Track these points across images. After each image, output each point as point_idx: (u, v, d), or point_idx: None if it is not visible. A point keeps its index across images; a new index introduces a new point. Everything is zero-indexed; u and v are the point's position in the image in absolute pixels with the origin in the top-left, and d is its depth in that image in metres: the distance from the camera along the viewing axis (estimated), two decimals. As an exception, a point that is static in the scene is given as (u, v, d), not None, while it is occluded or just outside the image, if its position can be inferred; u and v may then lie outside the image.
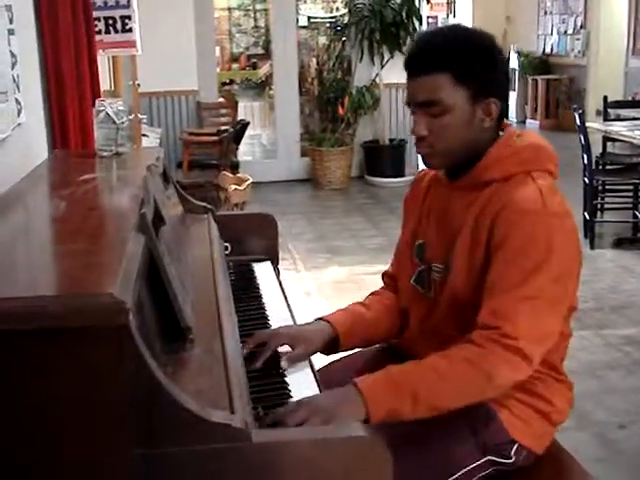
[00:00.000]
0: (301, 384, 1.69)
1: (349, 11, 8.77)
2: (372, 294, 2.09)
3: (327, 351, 1.92)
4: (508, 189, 1.73)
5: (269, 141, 10.82)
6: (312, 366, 1.81)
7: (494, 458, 1.75)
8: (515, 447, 1.76)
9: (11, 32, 2.60)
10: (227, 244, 2.44)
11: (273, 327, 1.95)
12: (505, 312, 1.63)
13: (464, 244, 1.76)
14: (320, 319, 1.94)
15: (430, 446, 1.71)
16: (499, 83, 1.78)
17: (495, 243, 1.69)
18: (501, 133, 1.82)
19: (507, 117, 1.84)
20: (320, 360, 1.97)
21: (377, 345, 2.09)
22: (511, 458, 1.76)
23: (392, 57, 8.23)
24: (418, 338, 1.90)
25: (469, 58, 1.73)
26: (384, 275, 2.13)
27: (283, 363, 1.70)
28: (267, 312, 2.09)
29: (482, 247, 1.72)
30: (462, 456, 1.72)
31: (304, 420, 1.46)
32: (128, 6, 4.57)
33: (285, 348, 1.79)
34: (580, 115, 5.86)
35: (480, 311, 1.67)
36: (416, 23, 8.24)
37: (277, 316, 2.06)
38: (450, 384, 1.61)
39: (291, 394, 1.64)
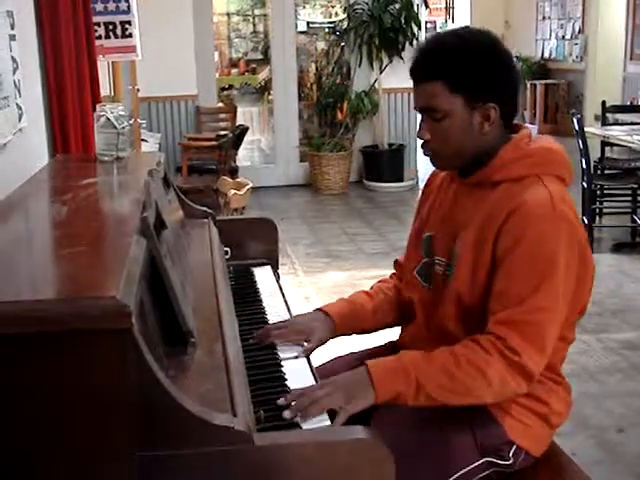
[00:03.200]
0: (302, 386, 1.69)
1: (348, 16, 8.78)
2: (379, 282, 2.15)
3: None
4: (518, 191, 1.74)
5: (268, 146, 10.83)
6: (312, 368, 1.81)
7: (492, 459, 1.76)
8: (513, 449, 1.77)
9: (12, 38, 2.61)
10: (227, 248, 2.45)
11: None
12: (513, 323, 1.65)
13: (470, 240, 1.78)
14: (319, 309, 2.02)
15: (429, 447, 1.73)
16: (499, 88, 1.79)
17: (505, 246, 1.70)
18: (514, 135, 1.84)
19: (513, 120, 1.85)
20: (320, 357, 1.99)
21: (380, 344, 2.12)
22: (509, 460, 1.77)
23: (391, 62, 8.26)
24: (422, 332, 1.93)
25: (464, 66, 1.75)
26: (395, 262, 2.17)
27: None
28: (267, 316, 2.10)
29: (489, 248, 1.74)
30: (460, 457, 1.74)
31: (328, 394, 1.57)
32: (128, 11, 4.58)
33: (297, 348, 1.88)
34: (578, 120, 5.88)
35: (489, 316, 1.70)
36: (415, 28, 8.26)
37: (277, 320, 2.06)
38: (454, 384, 1.64)
39: (292, 397, 1.65)
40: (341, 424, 1.56)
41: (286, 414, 1.53)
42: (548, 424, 1.83)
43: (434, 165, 1.90)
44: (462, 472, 1.73)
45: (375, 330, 2.10)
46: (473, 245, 1.77)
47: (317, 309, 2.03)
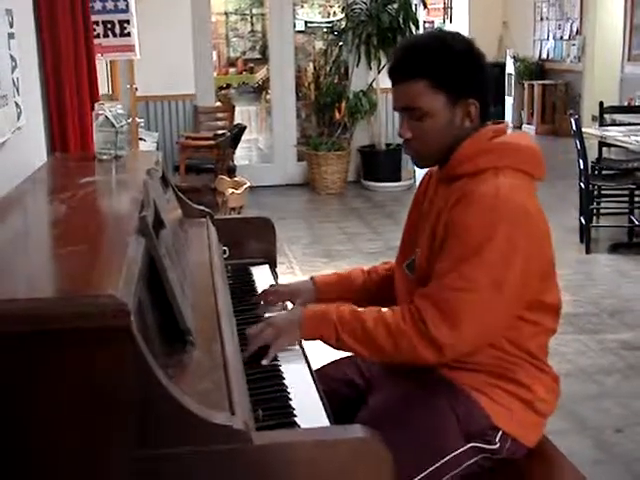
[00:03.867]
0: (300, 385, 1.71)
1: (346, 16, 8.78)
2: (383, 263, 2.25)
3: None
4: (472, 184, 1.78)
5: (266, 145, 10.83)
6: (310, 367, 1.82)
7: (478, 444, 1.79)
8: (499, 434, 1.80)
9: (11, 36, 2.61)
10: (225, 248, 2.45)
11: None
12: (428, 297, 1.74)
13: (426, 233, 1.86)
14: (311, 278, 2.22)
15: (414, 434, 1.76)
16: (477, 85, 1.84)
17: (446, 232, 1.77)
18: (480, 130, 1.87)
19: (489, 114, 1.89)
20: (317, 361, 2.00)
21: None
22: (495, 444, 1.80)
23: (389, 62, 8.24)
24: None
25: (445, 63, 1.80)
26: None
27: (264, 361, 1.80)
28: (265, 315, 2.10)
29: (440, 235, 1.80)
30: (446, 443, 1.77)
31: (261, 330, 1.82)
32: (127, 10, 4.59)
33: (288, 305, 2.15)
34: (576, 120, 5.88)
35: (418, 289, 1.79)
36: (413, 28, 8.25)
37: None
38: (368, 340, 1.77)
39: (290, 396, 1.65)
40: (271, 359, 1.78)
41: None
42: (533, 410, 1.85)
43: (415, 164, 1.94)
44: (449, 457, 1.76)
45: (361, 305, 2.10)
46: (429, 234, 1.85)
47: (310, 277, 2.23)
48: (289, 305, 2.16)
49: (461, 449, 1.78)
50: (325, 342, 1.82)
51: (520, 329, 1.81)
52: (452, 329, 1.70)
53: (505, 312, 1.76)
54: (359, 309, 1.83)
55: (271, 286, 2.23)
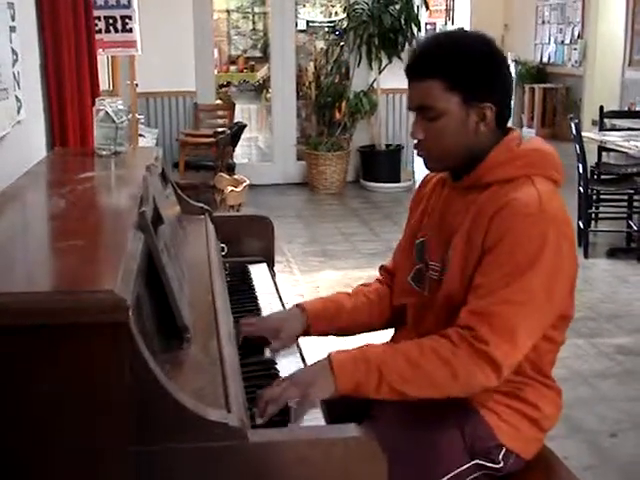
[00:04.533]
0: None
1: (348, 16, 8.77)
2: (362, 285, 2.12)
3: (304, 334, 1.98)
4: (507, 191, 1.73)
5: (265, 144, 10.83)
6: (306, 365, 1.81)
7: (482, 462, 1.76)
8: (503, 452, 1.77)
9: (12, 29, 2.61)
10: (223, 245, 2.45)
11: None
12: (482, 314, 1.64)
13: (460, 244, 1.77)
14: (297, 305, 2.01)
15: (419, 449, 1.73)
16: (495, 88, 1.79)
17: (489, 244, 1.70)
18: (505, 137, 1.83)
19: (507, 121, 1.84)
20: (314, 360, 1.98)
21: None
22: (499, 463, 1.77)
23: (390, 62, 8.25)
24: (413, 337, 1.88)
25: (462, 64, 1.75)
26: (381, 268, 2.14)
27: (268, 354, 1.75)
28: (262, 313, 2.10)
29: (477, 248, 1.73)
30: (450, 459, 1.74)
31: (280, 394, 1.54)
32: (129, 6, 4.58)
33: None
34: (576, 125, 5.89)
35: (463, 308, 1.69)
36: (415, 29, 8.25)
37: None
38: (416, 374, 1.63)
39: (286, 395, 1.64)
40: (298, 418, 1.54)
41: (258, 421, 1.50)
42: (538, 428, 1.83)
43: (426, 166, 1.88)
44: (452, 474, 1.72)
45: (352, 332, 2.07)
46: (463, 247, 1.76)
47: (295, 305, 2.01)
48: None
49: (464, 466, 1.74)
50: (362, 391, 1.63)
51: (538, 347, 1.75)
52: (511, 346, 1.63)
53: (550, 320, 1.73)
54: (391, 344, 1.72)
55: (251, 318, 2.00)
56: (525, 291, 1.64)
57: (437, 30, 14.88)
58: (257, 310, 2.13)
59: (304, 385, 1.58)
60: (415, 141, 1.83)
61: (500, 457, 1.77)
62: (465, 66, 1.75)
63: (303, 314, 1.97)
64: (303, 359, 1.85)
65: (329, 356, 1.64)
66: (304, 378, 1.62)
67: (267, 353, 1.83)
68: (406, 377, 1.62)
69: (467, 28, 13.43)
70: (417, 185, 2.09)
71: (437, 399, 1.67)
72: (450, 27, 13.89)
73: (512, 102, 1.87)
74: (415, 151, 1.86)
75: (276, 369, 1.76)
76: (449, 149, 1.79)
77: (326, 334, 2.03)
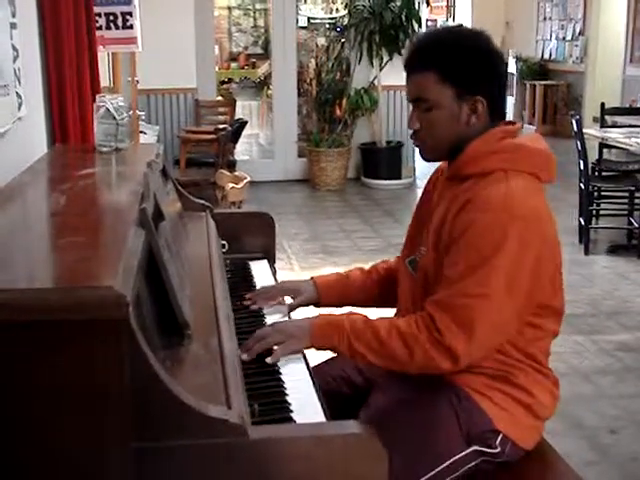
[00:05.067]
0: (296, 381, 1.70)
1: (349, 13, 8.77)
2: (382, 261, 2.24)
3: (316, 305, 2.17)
4: (481, 185, 1.78)
5: (266, 141, 10.82)
6: (307, 362, 1.82)
7: (480, 448, 1.79)
8: (499, 437, 1.80)
9: (13, 26, 2.61)
10: (224, 242, 2.45)
11: (269, 323, 1.96)
12: (442, 305, 1.72)
13: (433, 233, 1.85)
14: (311, 278, 2.19)
15: (414, 437, 1.76)
16: (486, 82, 1.84)
17: (454, 236, 1.76)
18: (490, 131, 1.87)
19: (501, 115, 1.88)
20: (315, 358, 1.99)
21: None
22: (496, 448, 1.79)
23: (391, 59, 8.25)
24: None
25: (455, 58, 1.81)
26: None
27: (269, 360, 1.79)
28: (263, 310, 2.10)
29: (445, 239, 1.79)
30: (448, 447, 1.77)
31: (262, 337, 1.77)
32: (129, 2, 4.58)
33: (288, 300, 2.12)
34: (577, 121, 5.88)
35: (428, 297, 1.77)
36: (415, 26, 8.24)
37: (273, 313, 2.07)
38: (381, 349, 1.75)
39: (286, 391, 1.65)
40: (276, 360, 1.74)
41: (243, 357, 1.72)
42: (534, 415, 1.85)
43: (422, 155, 1.95)
44: (450, 461, 1.76)
45: (363, 305, 2.18)
46: (435, 236, 1.84)
47: (311, 278, 2.19)
48: (287, 299, 2.14)
49: (462, 453, 1.77)
50: (336, 351, 1.81)
51: (525, 333, 1.80)
52: (468, 337, 1.69)
53: (517, 315, 1.76)
54: (371, 318, 1.81)
55: (273, 285, 2.23)
56: (483, 285, 1.70)
57: (438, 27, 14.87)
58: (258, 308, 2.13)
59: (286, 334, 1.79)
60: (411, 132, 1.91)
61: (497, 442, 1.80)
62: (458, 59, 1.81)
63: (314, 284, 2.15)
64: (304, 356, 1.85)
65: (313, 319, 1.83)
66: (288, 329, 1.82)
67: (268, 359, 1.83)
68: (372, 350, 1.76)
69: (468, 25, 13.43)
70: (420, 181, 2.15)
71: (427, 381, 1.80)
72: (451, 23, 13.86)
73: (507, 97, 1.93)
74: (412, 141, 1.94)
75: (277, 366, 1.76)
76: (441, 139, 1.86)
77: (337, 306, 2.15)
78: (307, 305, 2.15)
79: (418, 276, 1.92)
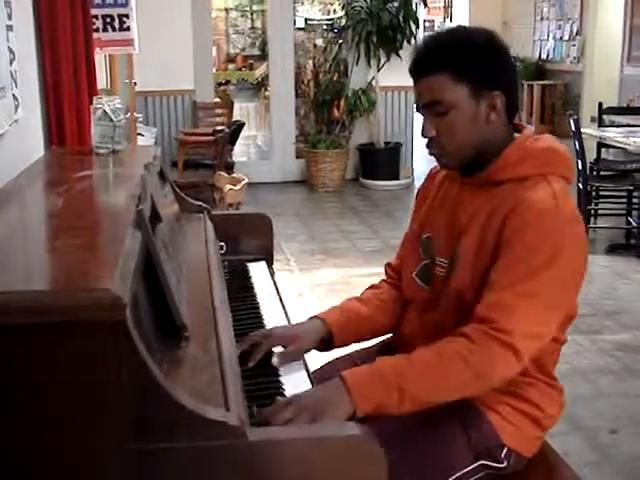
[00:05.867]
0: (295, 383, 1.70)
1: (346, 13, 8.78)
2: (370, 288, 2.09)
3: (322, 348, 1.94)
4: (522, 190, 1.73)
5: (264, 142, 10.82)
6: (306, 365, 1.81)
7: (486, 462, 1.76)
8: (505, 451, 1.77)
9: (9, 28, 2.60)
10: (222, 243, 2.44)
11: (267, 326, 1.95)
12: (503, 306, 1.64)
13: (472, 241, 1.77)
14: (314, 317, 1.95)
15: (423, 450, 1.72)
16: (501, 76, 1.79)
17: (505, 239, 1.70)
18: (517, 135, 1.84)
19: (517, 110, 1.84)
20: (316, 360, 1.98)
21: (373, 344, 2.10)
22: (503, 462, 1.77)
23: (388, 60, 8.25)
24: (418, 334, 1.88)
25: (466, 54, 1.75)
26: (387, 266, 2.12)
27: (274, 360, 1.73)
28: (261, 311, 2.09)
29: (490, 245, 1.73)
30: (455, 460, 1.73)
31: (290, 420, 1.46)
32: (126, 4, 4.57)
33: (279, 348, 1.80)
34: (575, 121, 5.88)
35: (478, 304, 1.68)
36: (413, 27, 8.24)
37: (271, 315, 2.06)
38: (439, 379, 1.62)
39: (285, 393, 1.64)
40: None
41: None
42: (540, 427, 1.83)
43: (441, 164, 1.87)
44: (456, 475, 1.72)
45: (372, 337, 2.06)
46: (475, 244, 1.76)
47: (313, 317, 1.95)
48: (277, 349, 1.81)
49: (469, 467, 1.74)
50: (384, 410, 1.57)
51: (544, 346, 1.74)
52: (531, 335, 1.64)
53: (563, 316, 1.75)
54: (404, 355, 1.66)
55: (272, 329, 1.90)
56: (548, 286, 1.65)
57: (435, 27, 14.89)
58: (256, 308, 2.12)
59: (317, 409, 1.50)
60: (426, 140, 1.81)
61: (503, 456, 1.77)
62: (470, 56, 1.75)
63: (324, 325, 1.92)
64: (304, 361, 1.84)
65: (342, 377, 1.57)
66: (316, 401, 1.52)
67: (274, 360, 1.76)
68: (429, 386, 1.60)
69: (465, 25, 13.43)
70: (418, 181, 2.10)
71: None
72: (449, 24, 13.86)
73: (519, 91, 1.85)
74: (427, 150, 1.83)
75: (275, 368, 1.75)
76: (463, 142, 1.77)
77: (347, 344, 2.00)
78: (305, 352, 1.88)
79: (436, 289, 1.85)
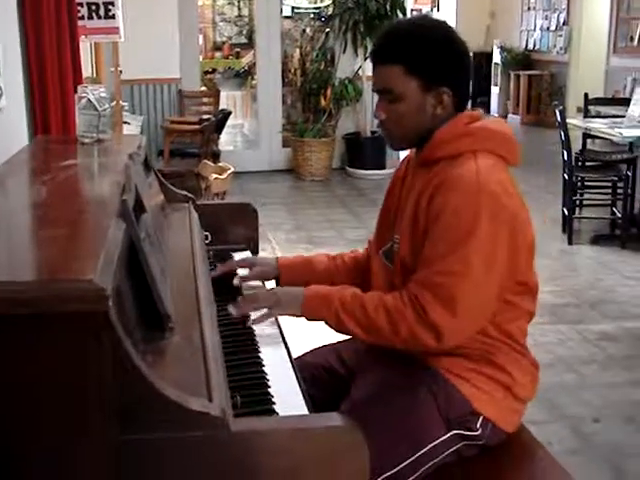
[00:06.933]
0: (279, 373, 1.70)
1: (333, 2, 8.77)
2: (350, 251, 2.27)
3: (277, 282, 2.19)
4: (451, 168, 1.80)
5: (251, 131, 10.80)
6: (290, 353, 1.83)
7: (460, 432, 1.80)
8: (480, 420, 1.81)
9: (-7, 16, 2.59)
10: (207, 233, 2.44)
11: (252, 317, 1.96)
12: (424, 284, 1.74)
13: (407, 219, 1.87)
14: (276, 259, 2.22)
15: (395, 424, 1.77)
16: (452, 74, 1.87)
17: (431, 217, 1.78)
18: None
19: (465, 105, 1.92)
20: (297, 349, 2.00)
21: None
22: (477, 430, 1.81)
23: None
24: None
25: (420, 50, 1.84)
26: (368, 241, 2.21)
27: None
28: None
29: (422, 222, 1.81)
30: (428, 431, 1.78)
31: (264, 298, 1.90)
32: (111, -8, 4.55)
33: (243, 271, 2.18)
34: (561, 112, 5.90)
35: (412, 279, 1.79)
36: (400, 16, 8.23)
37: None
38: (368, 324, 1.78)
39: (269, 383, 1.65)
40: (260, 322, 1.88)
41: (231, 309, 1.88)
42: (512, 395, 1.86)
43: (389, 144, 1.99)
44: (431, 446, 1.77)
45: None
46: (411, 221, 1.85)
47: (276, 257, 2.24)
48: (243, 271, 2.19)
49: (442, 437, 1.79)
50: (325, 323, 1.84)
51: (502, 312, 1.82)
52: (451, 314, 1.71)
53: (497, 292, 1.78)
54: (361, 293, 1.83)
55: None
56: (463, 262, 1.72)
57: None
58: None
59: (278, 301, 1.88)
60: (378, 121, 1.94)
61: (477, 425, 1.81)
62: (423, 52, 1.84)
63: (276, 263, 2.18)
64: (287, 348, 1.85)
65: (305, 290, 1.88)
66: (281, 296, 1.90)
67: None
68: (359, 324, 1.79)
69: (453, 14, 13.43)
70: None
71: (409, 370, 1.83)
72: (436, 14, 13.84)
73: (470, 87, 1.97)
74: (379, 130, 1.96)
75: (259, 358, 1.76)
76: (408, 130, 1.90)
77: (294, 285, 2.11)
78: (263, 279, 2.17)
79: (395, 266, 1.92)
